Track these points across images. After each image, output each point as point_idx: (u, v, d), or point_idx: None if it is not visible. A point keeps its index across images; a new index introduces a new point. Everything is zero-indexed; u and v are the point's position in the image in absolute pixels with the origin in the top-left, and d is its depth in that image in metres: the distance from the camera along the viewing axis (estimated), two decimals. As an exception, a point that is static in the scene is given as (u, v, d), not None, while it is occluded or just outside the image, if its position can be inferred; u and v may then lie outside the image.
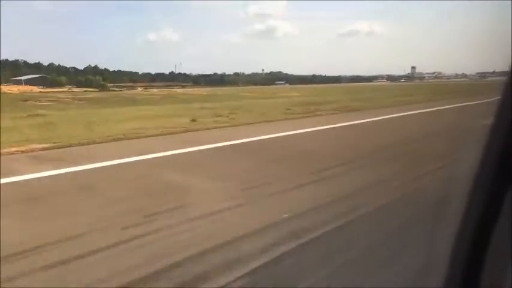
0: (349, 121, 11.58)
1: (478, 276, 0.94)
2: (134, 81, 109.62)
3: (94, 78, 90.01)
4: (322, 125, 10.69)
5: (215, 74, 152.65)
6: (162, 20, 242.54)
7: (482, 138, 0.91)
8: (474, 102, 18.30)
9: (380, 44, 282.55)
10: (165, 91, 55.87)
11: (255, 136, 8.37)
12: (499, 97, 0.90)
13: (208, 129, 10.00)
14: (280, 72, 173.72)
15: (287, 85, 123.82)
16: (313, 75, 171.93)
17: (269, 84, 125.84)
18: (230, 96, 34.09)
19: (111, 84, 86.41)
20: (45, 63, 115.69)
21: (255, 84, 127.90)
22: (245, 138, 8.20)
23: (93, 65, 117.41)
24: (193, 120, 11.72)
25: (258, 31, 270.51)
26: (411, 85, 77.67)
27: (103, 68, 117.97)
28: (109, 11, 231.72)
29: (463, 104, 18.43)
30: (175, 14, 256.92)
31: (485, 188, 0.92)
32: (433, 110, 15.99)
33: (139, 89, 75.98)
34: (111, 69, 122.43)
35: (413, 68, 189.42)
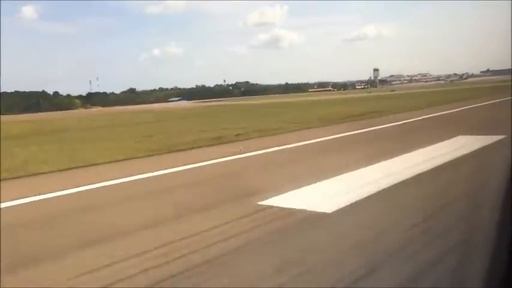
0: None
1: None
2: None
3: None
4: None
5: (103, 93, 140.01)
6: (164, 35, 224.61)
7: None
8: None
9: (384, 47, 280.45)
10: None
11: None
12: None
13: None
14: (247, 82, 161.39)
15: (184, 102, 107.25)
16: (286, 84, 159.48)
17: (163, 102, 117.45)
18: None
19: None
20: None
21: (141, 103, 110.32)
22: None
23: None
24: None
25: (262, 41, 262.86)
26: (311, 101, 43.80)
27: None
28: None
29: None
30: (176, 29, 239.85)
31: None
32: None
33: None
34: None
35: (375, 70, 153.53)
